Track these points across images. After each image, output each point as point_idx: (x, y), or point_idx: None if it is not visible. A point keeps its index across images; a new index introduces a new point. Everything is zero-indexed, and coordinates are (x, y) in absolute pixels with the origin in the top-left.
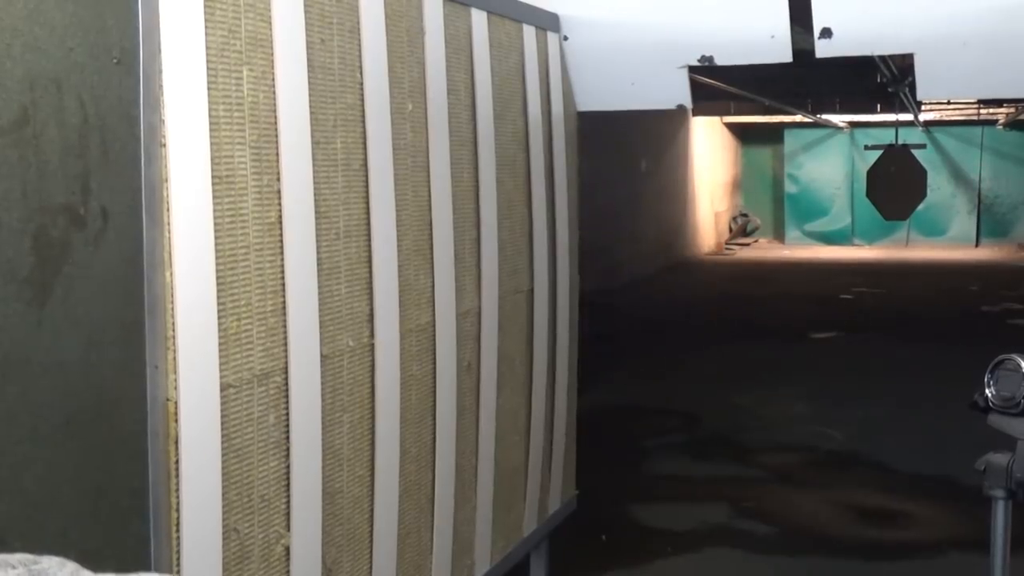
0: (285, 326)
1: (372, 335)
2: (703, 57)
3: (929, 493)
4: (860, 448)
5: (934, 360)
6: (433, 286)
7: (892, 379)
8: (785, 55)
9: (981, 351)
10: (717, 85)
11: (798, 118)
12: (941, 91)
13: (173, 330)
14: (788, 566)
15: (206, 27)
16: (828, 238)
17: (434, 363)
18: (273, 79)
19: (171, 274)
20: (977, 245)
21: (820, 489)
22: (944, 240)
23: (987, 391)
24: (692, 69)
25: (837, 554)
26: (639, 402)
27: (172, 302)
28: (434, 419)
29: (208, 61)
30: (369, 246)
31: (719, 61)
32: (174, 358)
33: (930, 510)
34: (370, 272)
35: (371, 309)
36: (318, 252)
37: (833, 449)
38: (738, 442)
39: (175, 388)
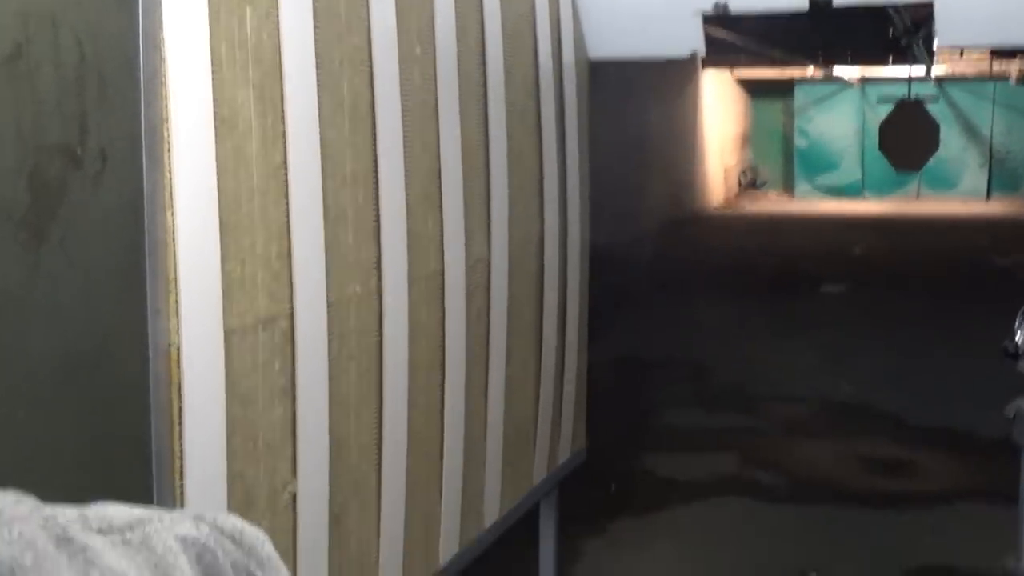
0: (290, 271)
1: (380, 282)
2: (717, 4)
3: (938, 444)
4: (870, 399)
5: (944, 313)
6: (442, 234)
7: (902, 331)
8: (801, 3)
9: (992, 305)
10: (729, 40)
11: (808, 73)
12: (960, 37)
13: (175, 273)
14: (797, 515)
15: None
16: (838, 192)
17: (443, 311)
18: (277, 18)
19: (172, 216)
20: (988, 199)
21: (829, 439)
22: (955, 194)
23: (1017, 338)
24: (706, 19)
25: (846, 503)
26: (649, 354)
27: (174, 245)
28: (443, 368)
29: None
30: (376, 192)
31: (734, 9)
32: (176, 302)
33: (939, 461)
34: (377, 218)
35: (378, 256)
36: (324, 197)
37: (843, 400)
38: (748, 393)
39: (177, 333)
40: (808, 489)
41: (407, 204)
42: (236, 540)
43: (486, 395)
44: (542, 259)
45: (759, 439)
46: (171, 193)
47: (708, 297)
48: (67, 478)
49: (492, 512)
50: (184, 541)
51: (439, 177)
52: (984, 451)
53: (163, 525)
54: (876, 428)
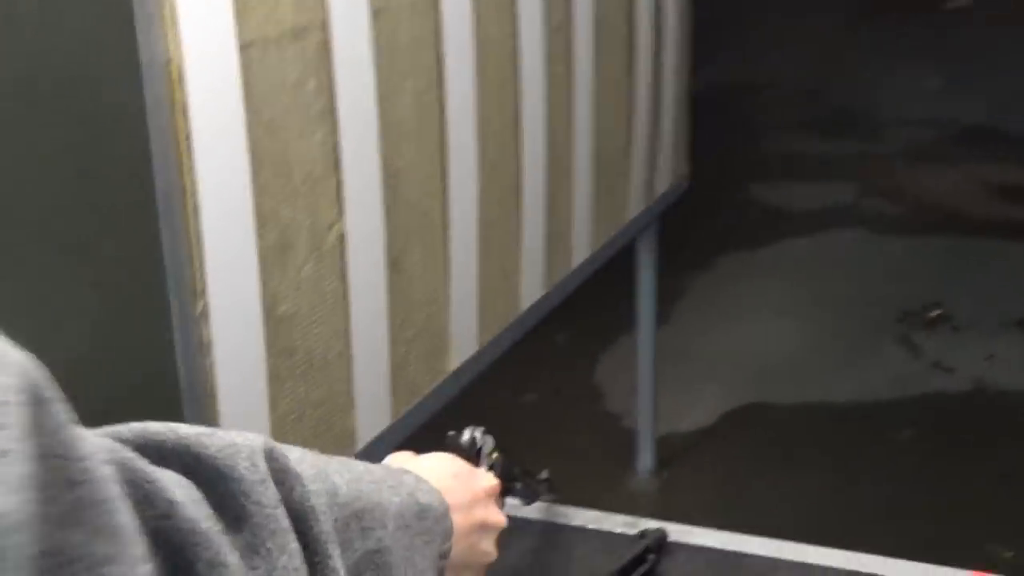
0: None
1: None
2: None
3: None
4: (999, 123)
5: None
6: None
7: None
8: None
9: None
10: None
11: None
12: None
13: None
14: (920, 245)
15: None
16: None
17: (515, 23)
18: None
19: None
20: None
21: (955, 166)
22: None
23: None
24: None
25: (973, 234)
26: (758, 77)
27: None
28: (517, 89)
29: None
30: None
31: None
32: (172, 8)
33: None
34: None
35: None
36: None
37: (970, 123)
38: (866, 117)
39: (178, 47)
40: (931, 219)
41: None
42: None
43: (571, 119)
44: None
45: (878, 166)
46: None
47: (821, 15)
48: (58, 225)
49: (582, 250)
50: None
51: None
52: None
53: None
54: (1007, 153)
